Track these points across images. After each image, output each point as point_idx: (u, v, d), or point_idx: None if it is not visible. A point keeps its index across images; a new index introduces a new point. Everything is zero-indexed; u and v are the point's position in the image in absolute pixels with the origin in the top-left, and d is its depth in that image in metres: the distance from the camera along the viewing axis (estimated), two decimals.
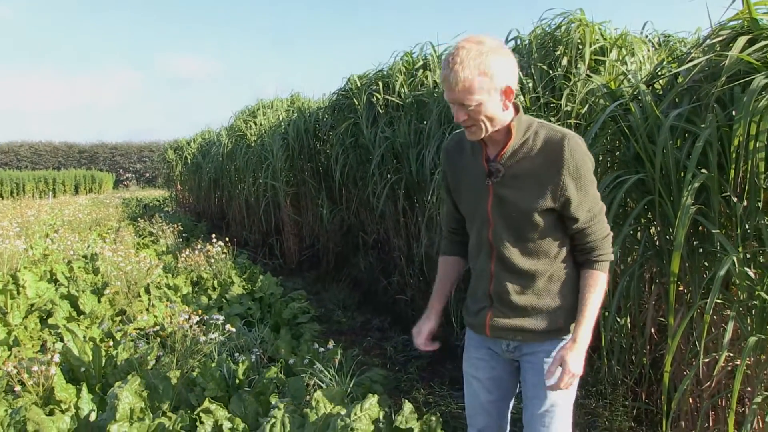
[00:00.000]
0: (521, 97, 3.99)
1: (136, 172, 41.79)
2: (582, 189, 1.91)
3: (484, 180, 2.01)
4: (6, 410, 3.24)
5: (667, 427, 2.86)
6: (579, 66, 4.01)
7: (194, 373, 3.73)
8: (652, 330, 3.25)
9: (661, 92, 3.19)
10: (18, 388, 3.51)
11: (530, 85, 4.05)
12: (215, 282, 6.83)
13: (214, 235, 8.41)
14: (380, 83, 6.24)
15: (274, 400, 3.39)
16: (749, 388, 2.69)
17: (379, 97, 6.16)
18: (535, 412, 2.11)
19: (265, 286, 6.60)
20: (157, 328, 4.87)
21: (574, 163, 1.88)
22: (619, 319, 3.30)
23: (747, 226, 2.60)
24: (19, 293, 5.64)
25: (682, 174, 2.71)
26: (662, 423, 2.95)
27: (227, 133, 12.14)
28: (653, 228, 3.13)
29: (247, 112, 11.61)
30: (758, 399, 2.53)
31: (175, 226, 11.08)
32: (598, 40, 4.22)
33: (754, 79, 2.44)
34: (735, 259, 2.45)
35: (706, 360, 2.72)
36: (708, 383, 2.80)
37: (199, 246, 7.84)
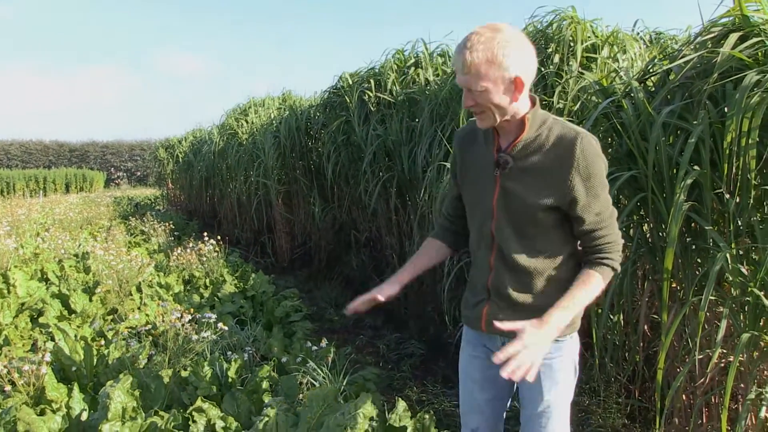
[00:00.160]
0: None
1: (127, 170, 41.64)
2: (591, 190, 1.87)
3: (492, 170, 1.99)
4: None
5: (661, 424, 2.86)
6: (571, 63, 4.01)
7: (186, 372, 3.71)
8: (645, 327, 3.26)
9: (653, 89, 3.19)
10: (8, 387, 3.49)
11: None
12: (207, 280, 6.80)
13: (205, 234, 8.40)
14: (372, 81, 6.24)
15: (267, 398, 3.38)
16: (742, 385, 2.70)
17: (370, 95, 6.15)
18: (532, 412, 2.09)
19: (258, 285, 6.59)
20: (149, 326, 4.85)
21: (584, 163, 1.84)
22: (612, 317, 3.31)
23: (739, 223, 2.61)
24: (9, 292, 5.61)
25: (675, 171, 2.71)
26: (656, 420, 2.96)
27: (219, 131, 12.09)
28: (646, 225, 3.13)
29: (239, 111, 11.57)
30: (752, 395, 2.54)
31: (167, 224, 11.05)
32: (589, 37, 4.23)
33: (745, 75, 2.45)
34: (728, 255, 2.46)
35: (700, 357, 2.72)
36: (701, 380, 2.80)
37: (191, 244, 7.81)
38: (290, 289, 6.59)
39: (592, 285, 1.91)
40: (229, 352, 4.25)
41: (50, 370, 3.54)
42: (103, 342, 4.51)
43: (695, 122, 2.64)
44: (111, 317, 5.31)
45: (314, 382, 3.70)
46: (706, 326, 2.80)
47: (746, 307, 2.59)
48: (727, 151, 2.49)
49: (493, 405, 2.24)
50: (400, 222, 5.94)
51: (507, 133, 1.97)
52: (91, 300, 5.48)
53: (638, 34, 4.76)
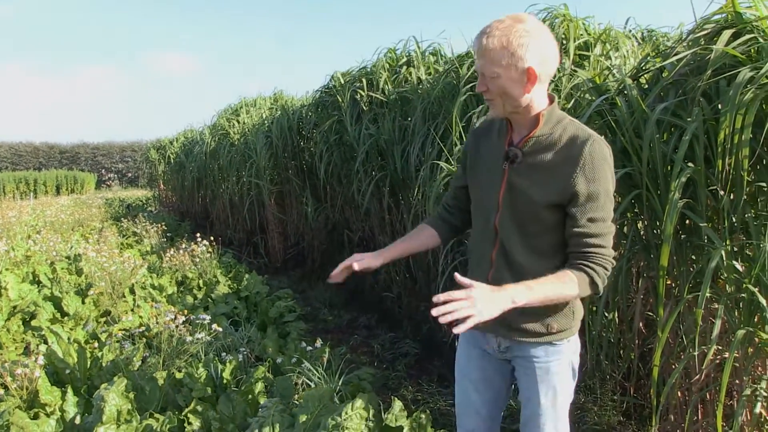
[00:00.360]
0: None
1: (118, 172, 41.45)
2: (592, 193, 1.83)
3: (501, 163, 1.98)
4: None
5: (656, 421, 2.87)
6: (564, 61, 4.01)
7: (181, 374, 3.70)
8: (640, 324, 3.26)
9: (646, 86, 3.19)
10: (1, 391, 3.47)
11: None
12: (201, 281, 6.78)
13: (198, 235, 8.37)
14: (364, 80, 6.22)
15: (262, 399, 3.36)
16: (737, 381, 2.71)
17: (363, 94, 6.14)
18: (530, 413, 2.09)
19: (251, 285, 6.57)
20: (143, 328, 4.83)
21: (591, 165, 1.82)
22: (606, 314, 3.31)
23: (734, 219, 2.61)
24: (1, 295, 5.57)
25: (669, 168, 2.72)
26: (651, 417, 2.97)
27: (210, 131, 12.06)
28: (640, 222, 3.13)
29: (230, 111, 11.55)
30: (747, 391, 2.55)
31: (159, 225, 11.00)
32: (582, 35, 4.23)
33: (739, 72, 2.45)
34: (723, 252, 2.46)
35: (696, 353, 2.73)
36: (697, 376, 2.81)
37: (183, 245, 7.78)
38: (284, 290, 6.57)
39: (564, 282, 1.84)
40: (224, 354, 4.24)
41: (43, 374, 3.52)
42: (96, 344, 4.49)
43: (689, 119, 2.65)
44: (104, 319, 5.28)
45: (310, 383, 3.70)
46: (701, 323, 2.80)
47: (741, 304, 2.59)
48: (721, 148, 2.50)
49: (489, 406, 2.23)
50: (393, 221, 5.94)
51: (520, 128, 1.97)
52: (83, 302, 5.45)
53: (630, 31, 4.78)
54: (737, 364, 2.65)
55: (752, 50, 2.59)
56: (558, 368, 2.04)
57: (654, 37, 4.92)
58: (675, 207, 2.50)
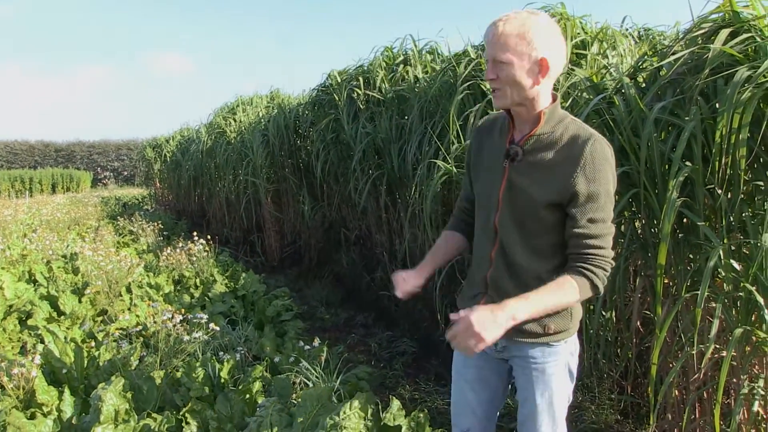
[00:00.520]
0: None
1: (114, 170, 41.38)
2: (593, 194, 1.82)
3: (501, 161, 1.98)
4: None
5: (654, 420, 2.87)
6: None
7: (178, 373, 3.69)
8: (638, 323, 3.27)
9: (644, 85, 3.20)
10: None
11: None
12: (197, 280, 6.78)
13: (195, 233, 8.35)
14: (361, 79, 6.22)
15: (260, 399, 3.36)
16: (735, 380, 2.71)
17: (359, 92, 6.14)
18: (527, 413, 2.08)
19: (248, 284, 6.56)
20: (140, 327, 4.82)
21: (592, 165, 1.81)
22: (604, 313, 3.31)
23: (731, 218, 2.61)
24: None
25: (667, 167, 2.72)
26: (648, 416, 2.97)
27: (206, 130, 12.05)
28: (638, 221, 3.14)
29: (227, 109, 11.54)
30: (744, 390, 2.55)
31: (156, 224, 10.99)
32: (579, 33, 4.23)
33: (737, 71, 2.45)
34: (720, 250, 2.47)
35: (693, 352, 2.73)
36: (695, 375, 2.81)
37: (180, 244, 7.77)
38: (281, 288, 6.57)
39: (564, 290, 1.83)
40: (221, 353, 4.23)
41: (40, 373, 3.51)
42: (93, 344, 4.47)
43: (687, 118, 2.65)
44: (101, 318, 5.27)
45: (308, 382, 3.69)
46: (699, 321, 2.81)
47: (738, 302, 2.60)
48: (719, 147, 2.50)
49: (485, 406, 2.22)
50: (390, 220, 5.93)
51: (522, 126, 1.96)
52: (80, 301, 5.44)
53: (627, 30, 4.78)
54: (735, 363, 2.66)
55: (749, 49, 2.59)
56: (554, 369, 2.04)
57: (651, 36, 4.92)
58: (673, 206, 2.51)
